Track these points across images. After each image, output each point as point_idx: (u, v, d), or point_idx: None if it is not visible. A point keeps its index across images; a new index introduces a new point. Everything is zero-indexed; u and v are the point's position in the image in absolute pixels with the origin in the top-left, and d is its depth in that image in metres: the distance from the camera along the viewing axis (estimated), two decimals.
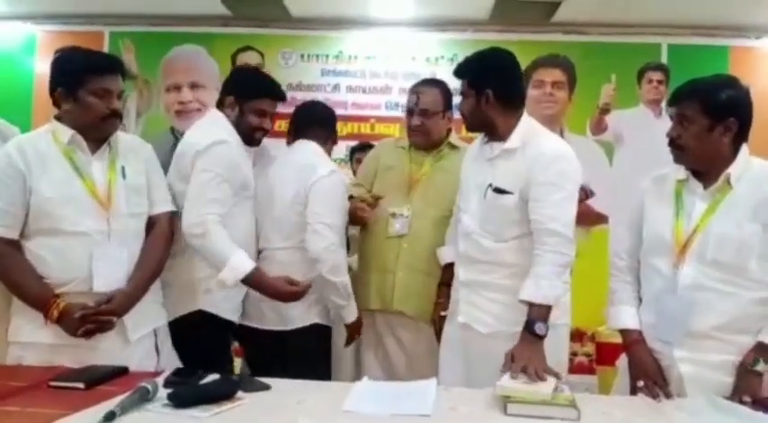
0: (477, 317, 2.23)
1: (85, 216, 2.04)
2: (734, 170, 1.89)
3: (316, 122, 2.69)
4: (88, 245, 2.02)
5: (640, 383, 1.92)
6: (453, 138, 2.76)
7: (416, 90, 2.70)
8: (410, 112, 2.68)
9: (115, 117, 2.11)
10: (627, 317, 2.06)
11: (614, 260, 2.15)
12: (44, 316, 1.99)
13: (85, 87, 2.05)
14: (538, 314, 2.02)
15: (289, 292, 2.36)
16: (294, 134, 2.70)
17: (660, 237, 1.98)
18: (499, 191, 2.17)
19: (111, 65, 2.15)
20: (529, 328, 2.00)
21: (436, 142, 2.71)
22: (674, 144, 1.95)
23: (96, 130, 2.10)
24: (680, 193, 1.98)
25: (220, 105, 2.50)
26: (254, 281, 2.30)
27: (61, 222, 2.01)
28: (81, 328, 1.97)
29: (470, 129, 2.33)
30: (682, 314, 1.89)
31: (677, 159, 1.98)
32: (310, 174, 2.48)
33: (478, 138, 2.35)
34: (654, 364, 1.95)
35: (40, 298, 1.99)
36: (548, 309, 2.03)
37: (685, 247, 1.91)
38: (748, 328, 1.87)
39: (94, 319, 1.99)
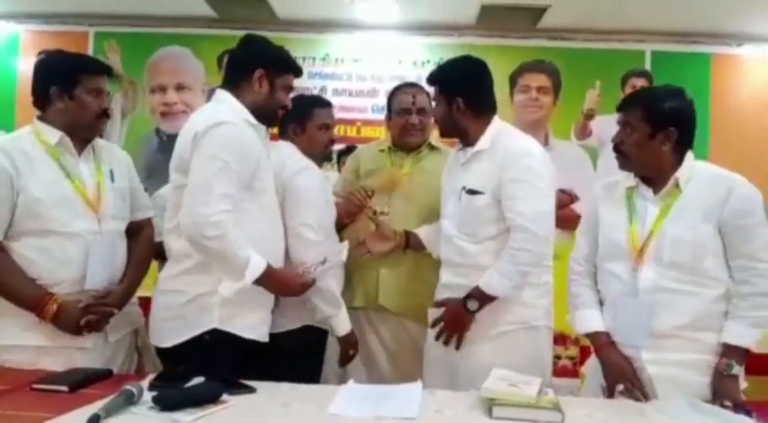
0: None
1: (77, 217, 2.04)
2: (681, 174, 1.95)
3: (284, 121, 2.56)
4: (80, 245, 2.03)
5: (620, 387, 1.94)
6: (433, 139, 2.79)
7: (409, 91, 2.73)
8: (407, 111, 2.69)
9: (106, 116, 2.14)
10: (592, 321, 2.08)
11: (572, 265, 2.19)
12: (38, 314, 1.97)
13: (82, 86, 2.07)
14: (477, 295, 2.17)
15: (302, 284, 2.17)
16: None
17: (616, 242, 2.03)
18: (472, 192, 2.23)
19: (102, 66, 2.20)
20: (464, 300, 2.18)
21: (420, 143, 2.74)
22: (617, 150, 2.01)
23: (89, 129, 2.12)
24: (631, 198, 2.03)
25: (234, 84, 2.17)
26: (265, 277, 2.03)
27: (52, 223, 2.00)
28: (83, 318, 1.98)
29: (443, 134, 2.41)
30: (644, 316, 1.93)
31: (621, 165, 2.03)
32: (279, 172, 2.32)
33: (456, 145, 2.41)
34: (629, 366, 1.97)
35: (33, 297, 1.98)
36: (490, 298, 2.16)
37: (642, 250, 1.96)
38: (711, 325, 1.91)
39: (96, 309, 2.01)
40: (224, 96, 2.17)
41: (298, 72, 2.26)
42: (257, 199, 2.11)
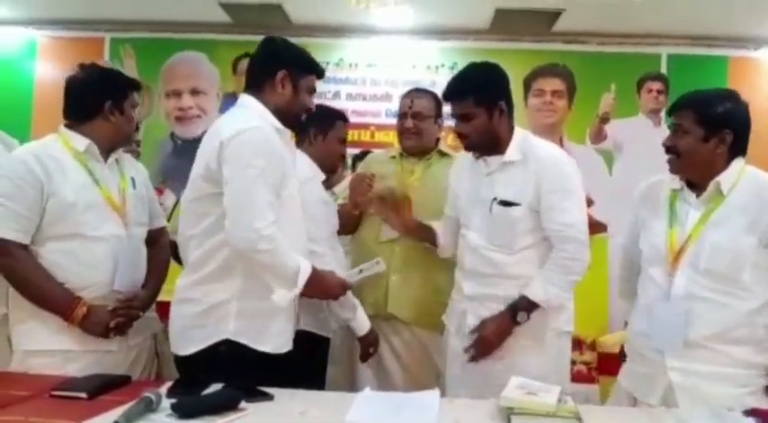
0: None
1: (105, 221, 2.10)
2: (723, 179, 1.91)
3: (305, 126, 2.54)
4: (107, 249, 2.08)
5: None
6: (443, 146, 2.81)
7: (410, 95, 2.75)
8: (404, 115, 2.71)
9: (137, 128, 2.34)
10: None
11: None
12: (66, 318, 2.00)
13: (128, 101, 2.21)
14: (527, 306, 2.14)
15: (342, 286, 2.21)
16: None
17: (655, 246, 2.00)
18: (506, 203, 2.19)
19: (138, 82, 2.35)
20: (511, 312, 2.15)
21: (427, 148, 2.74)
22: (670, 152, 1.98)
23: (128, 140, 2.29)
24: (674, 202, 2.00)
25: (257, 88, 2.12)
26: (310, 281, 2.01)
27: (81, 227, 2.04)
28: (112, 320, 2.03)
29: (477, 149, 2.27)
30: (675, 323, 1.90)
31: (672, 168, 2.00)
32: None
33: (466, 153, 2.35)
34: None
35: (63, 300, 2.01)
36: (536, 307, 2.15)
37: (679, 255, 1.93)
38: (741, 338, 1.87)
39: (124, 312, 2.07)
40: (248, 101, 2.10)
41: (320, 73, 2.21)
42: (285, 205, 2.05)
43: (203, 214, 2.01)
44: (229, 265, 2.00)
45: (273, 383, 1.88)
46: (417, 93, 2.77)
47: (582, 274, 2.17)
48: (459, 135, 2.26)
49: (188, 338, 2.03)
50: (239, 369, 1.93)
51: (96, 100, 2.15)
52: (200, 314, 2.02)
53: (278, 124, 2.08)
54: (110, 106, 2.15)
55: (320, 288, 2.10)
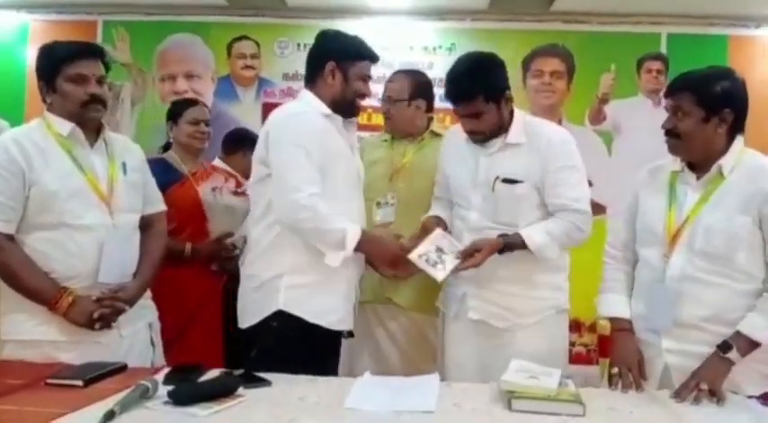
0: (492, 312, 2.24)
1: (89, 209, 2.03)
2: (726, 161, 1.90)
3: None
4: (93, 239, 2.02)
5: (614, 370, 1.94)
6: (436, 126, 2.80)
7: (389, 78, 2.80)
8: (384, 99, 2.77)
9: (95, 102, 2.06)
10: (617, 306, 2.09)
11: (609, 250, 2.19)
12: (51, 308, 1.96)
13: (62, 76, 2.04)
14: (518, 246, 2.16)
15: (397, 255, 2.17)
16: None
17: (652, 228, 2.00)
18: (510, 181, 2.20)
19: (84, 50, 2.11)
20: (504, 244, 2.15)
21: (411, 131, 2.74)
22: (670, 135, 1.96)
23: (79, 118, 2.06)
24: (674, 183, 2.00)
25: (312, 81, 2.25)
26: (363, 243, 2.10)
27: (65, 216, 1.99)
28: (96, 311, 1.97)
29: (488, 140, 2.26)
30: (669, 304, 1.91)
31: (672, 150, 1.99)
32: None
33: (455, 131, 2.37)
34: (637, 353, 1.97)
35: (48, 291, 1.97)
36: (524, 247, 2.15)
37: (676, 237, 1.93)
38: (736, 320, 1.86)
39: (110, 303, 2.01)
40: (303, 94, 2.27)
41: (373, 58, 2.29)
42: (336, 183, 2.16)
43: (261, 196, 2.19)
44: (280, 241, 2.13)
45: (327, 359, 2.06)
46: (394, 76, 2.81)
47: (578, 244, 2.23)
48: (472, 132, 2.25)
49: (247, 312, 2.19)
50: (293, 341, 2.08)
51: (38, 84, 2.08)
52: (256, 289, 2.17)
53: (326, 111, 2.20)
54: (43, 87, 2.06)
55: (375, 250, 2.19)
